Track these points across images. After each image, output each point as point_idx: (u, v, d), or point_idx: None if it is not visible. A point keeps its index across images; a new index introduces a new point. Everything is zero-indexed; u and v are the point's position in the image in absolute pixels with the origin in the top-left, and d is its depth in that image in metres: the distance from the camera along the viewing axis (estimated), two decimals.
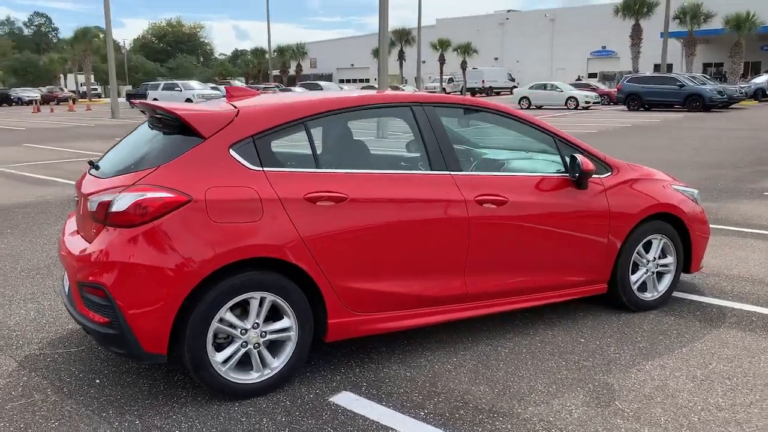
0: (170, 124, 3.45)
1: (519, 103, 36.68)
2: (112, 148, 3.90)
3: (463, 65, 50.18)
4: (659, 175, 4.84)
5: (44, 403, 3.34)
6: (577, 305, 4.69)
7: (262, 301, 3.30)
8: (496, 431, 3.05)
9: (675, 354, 3.89)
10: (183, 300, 3.10)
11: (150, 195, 3.10)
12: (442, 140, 3.86)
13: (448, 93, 59.13)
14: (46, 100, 55.77)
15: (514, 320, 4.43)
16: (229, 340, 3.31)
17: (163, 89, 39.25)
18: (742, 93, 34.05)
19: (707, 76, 39.07)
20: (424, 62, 60.23)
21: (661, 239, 4.59)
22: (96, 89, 71.26)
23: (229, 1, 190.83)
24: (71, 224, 3.82)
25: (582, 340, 4.11)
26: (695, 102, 29.97)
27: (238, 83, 55.75)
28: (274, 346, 3.44)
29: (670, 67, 48.09)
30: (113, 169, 3.46)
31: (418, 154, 3.86)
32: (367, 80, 63.97)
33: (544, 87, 36.78)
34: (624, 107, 33.05)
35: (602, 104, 37.46)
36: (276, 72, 61.97)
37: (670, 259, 4.67)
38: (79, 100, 60.24)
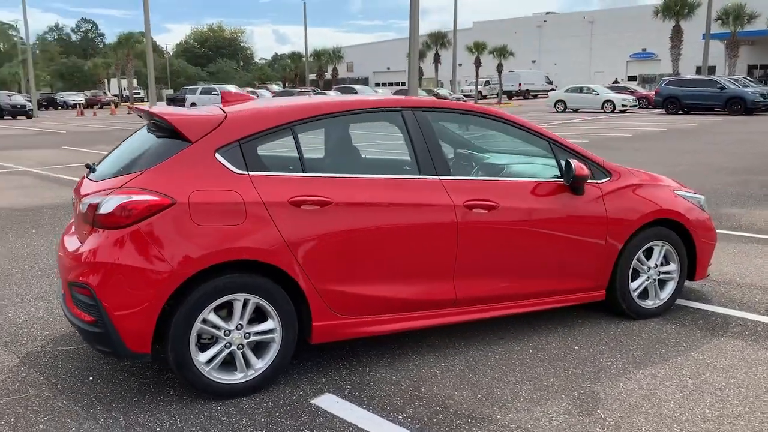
0: (163, 128, 3.54)
1: (554, 106, 36.28)
2: (111, 151, 4.01)
3: (499, 68, 49.76)
4: (664, 180, 4.76)
5: (37, 399, 3.45)
6: (575, 312, 4.63)
7: (245, 303, 3.36)
8: None
9: (669, 363, 3.81)
10: (166, 301, 3.17)
11: (135, 198, 3.18)
12: (432, 145, 3.86)
13: (485, 96, 58.83)
14: (90, 103, 57.28)
15: (509, 326, 4.40)
16: (214, 340, 3.37)
17: (201, 93, 40.00)
18: None
19: (750, 78, 38.01)
20: (460, 65, 60.02)
21: (662, 246, 4.51)
22: (138, 93, 72.92)
23: (270, 6, 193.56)
24: (73, 227, 3.94)
25: (575, 347, 4.06)
26: (736, 105, 29.21)
27: (276, 87, 56.49)
28: (259, 348, 3.49)
29: (712, 70, 46.99)
30: (106, 171, 3.56)
31: (408, 159, 3.87)
32: (403, 83, 63.95)
33: (580, 90, 36.27)
34: (662, 111, 32.38)
35: (640, 107, 36.78)
36: (312, 76, 62.51)
37: (672, 267, 4.58)
38: (122, 103, 61.72)
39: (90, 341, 3.31)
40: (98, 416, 3.25)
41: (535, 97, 56.20)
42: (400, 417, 3.23)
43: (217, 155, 3.38)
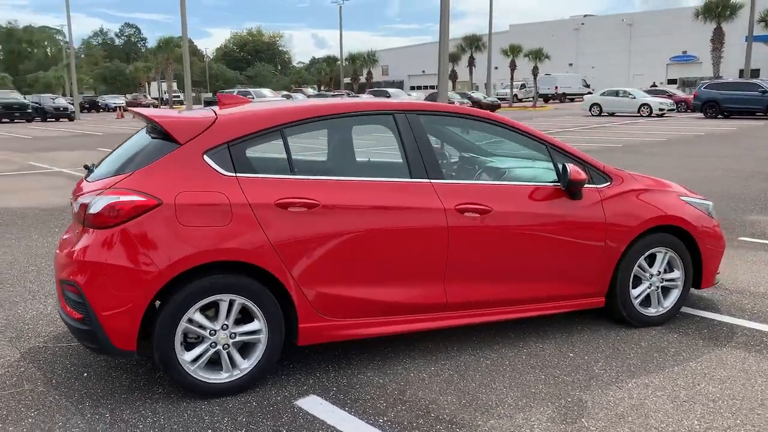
0: (157, 130, 3.60)
1: (590, 109, 35.76)
2: (110, 152, 4.10)
3: (535, 71, 49.26)
4: (670, 186, 4.65)
5: (31, 393, 3.54)
6: (575, 318, 4.56)
7: (231, 303, 3.39)
8: None
9: (664, 372, 3.72)
10: (150, 300, 3.22)
11: (123, 198, 3.24)
12: (423, 148, 3.85)
13: (520, 99, 58.32)
14: (130, 106, 58.64)
15: (506, 331, 4.36)
16: (200, 340, 3.42)
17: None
18: None
19: None
20: (496, 68, 59.64)
21: (666, 253, 4.40)
22: (178, 96, 74.27)
23: (308, 11, 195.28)
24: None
25: (571, 355, 4.00)
26: None
27: (311, 91, 56.92)
28: (246, 348, 3.52)
29: (755, 73, 45.72)
30: (102, 172, 3.64)
31: (400, 161, 3.86)
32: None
33: (616, 93, 35.67)
34: (701, 115, 31.64)
35: (679, 111, 36.00)
36: (347, 79, 62.80)
37: (677, 274, 4.47)
38: (161, 106, 62.97)
39: (79, 338, 3.38)
40: (86, 412, 3.32)
41: (572, 100, 55.49)
42: (381, 420, 3.22)
43: (206, 157, 3.43)
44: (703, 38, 48.64)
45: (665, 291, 4.50)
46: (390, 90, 46.92)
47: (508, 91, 53.83)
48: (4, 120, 38.89)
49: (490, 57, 47.14)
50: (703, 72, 56.32)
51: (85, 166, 4.00)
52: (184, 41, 36.10)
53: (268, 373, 3.57)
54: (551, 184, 4.11)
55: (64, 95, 66.54)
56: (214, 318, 3.41)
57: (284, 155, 3.62)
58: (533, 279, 4.05)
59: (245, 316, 3.48)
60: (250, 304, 3.41)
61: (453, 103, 42.34)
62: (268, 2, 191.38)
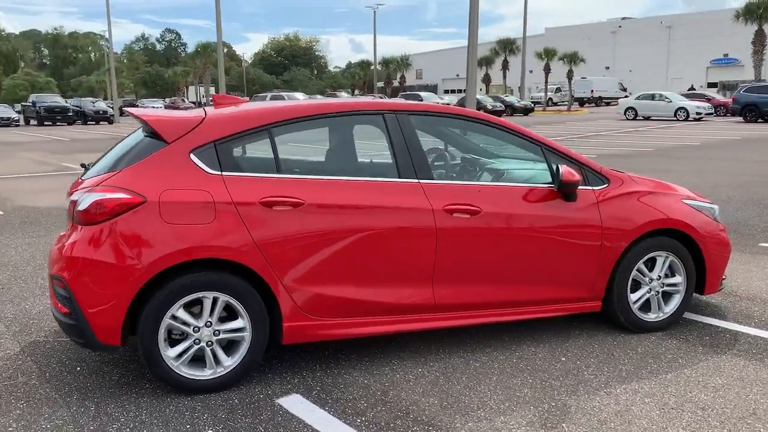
0: (148, 129, 3.66)
1: (624, 113, 35.20)
2: (107, 151, 4.18)
3: (569, 74, 48.65)
4: (673, 189, 4.54)
5: (24, 386, 3.63)
6: (574, 322, 4.48)
7: (215, 300, 3.42)
8: None
9: (656, 379, 3.63)
10: (133, 296, 3.27)
11: (108, 195, 3.30)
12: (412, 148, 3.83)
13: (555, 103, 57.68)
14: (170, 107, 59.82)
15: (501, 334, 4.30)
16: (185, 336, 3.45)
17: (270, 100, 40.95)
18: None
19: None
20: (530, 72, 59.07)
21: (667, 257, 4.30)
22: None
23: (346, 16, 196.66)
24: None
25: (563, 359, 3.93)
26: None
27: (345, 94, 57.20)
28: (230, 345, 3.55)
29: None
30: (95, 170, 3.71)
31: (390, 161, 3.85)
32: None
33: (652, 97, 35.02)
34: (740, 119, 30.85)
35: (717, 116, 35.20)
36: (380, 83, 62.98)
37: (678, 279, 4.36)
38: None
39: (66, 332, 3.45)
40: (72, 405, 3.39)
41: (608, 104, 54.67)
42: (358, 421, 3.21)
43: (192, 156, 3.47)
44: (745, 40, 47.41)
45: (666, 296, 4.39)
46: (422, 93, 46.95)
47: (542, 94, 53.28)
48: (46, 123, 40.03)
49: (524, 60, 46.71)
50: (745, 75, 54.90)
51: (82, 165, 4.08)
52: (219, 47, 36.66)
53: (252, 370, 3.59)
54: (545, 185, 4.05)
55: (105, 99, 68.14)
56: (198, 315, 3.44)
57: (271, 154, 3.64)
58: (525, 281, 4.00)
59: (230, 314, 3.51)
60: (233, 301, 3.44)
61: (485, 106, 42.15)
62: (307, 8, 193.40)
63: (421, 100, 42.90)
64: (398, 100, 4.03)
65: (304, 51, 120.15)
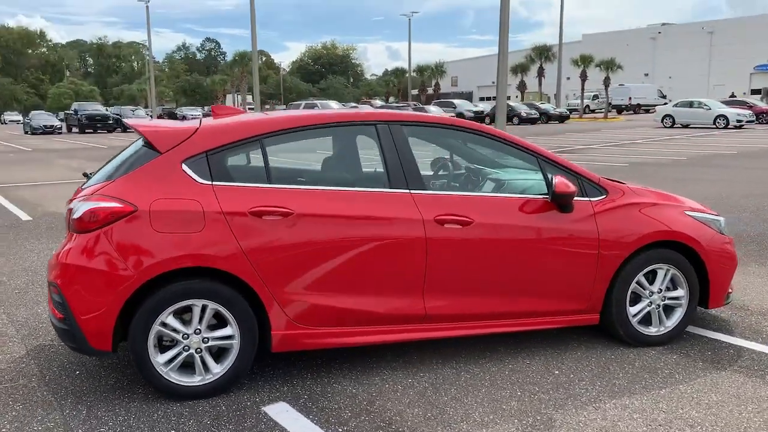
0: (145, 139, 3.76)
1: (662, 121, 34.51)
2: (108, 161, 4.29)
3: (606, 81, 47.93)
4: (676, 200, 4.45)
5: (23, 388, 3.74)
6: (574, 335, 4.42)
7: (204, 308, 3.48)
8: None
9: (649, 394, 3.56)
10: (124, 303, 3.35)
11: (101, 204, 3.40)
12: (404, 158, 3.84)
13: (593, 110, 56.89)
14: (208, 116, 60.79)
15: (497, 346, 4.27)
16: (175, 343, 3.52)
17: (303, 108, 41.39)
18: None
19: None
20: (568, 79, 58.49)
21: (668, 269, 4.21)
22: (252, 108, 76.64)
23: (384, 24, 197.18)
24: None
25: (556, 372, 3.88)
26: None
27: (379, 102, 57.43)
28: (220, 352, 3.61)
29: None
30: (95, 180, 3.82)
31: (382, 171, 3.86)
32: (509, 97, 63.24)
33: (690, 104, 34.27)
34: None
35: (759, 123, 34.27)
36: (415, 91, 63.05)
37: (680, 292, 4.26)
38: None
39: (60, 337, 3.55)
40: (66, 408, 3.48)
41: (647, 111, 53.65)
42: (340, 430, 3.23)
43: (184, 166, 3.54)
44: None
45: (668, 310, 4.31)
46: (456, 101, 46.89)
47: (579, 101, 52.63)
48: (87, 130, 41.14)
49: (560, 67, 46.31)
50: None
51: (85, 174, 4.20)
52: (254, 56, 37.31)
53: (241, 377, 3.64)
54: (540, 196, 4.01)
55: (145, 107, 69.73)
56: (188, 322, 3.51)
57: (263, 165, 3.70)
58: (518, 293, 3.96)
59: (220, 322, 3.57)
60: (222, 309, 3.50)
61: (520, 113, 41.84)
62: (345, 16, 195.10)
63: (455, 108, 42.80)
64: (392, 111, 4.05)
65: (340, 59, 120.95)
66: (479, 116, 43.38)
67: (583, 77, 48.80)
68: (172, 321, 3.46)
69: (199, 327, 3.50)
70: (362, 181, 3.94)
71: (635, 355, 4.12)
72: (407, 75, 64.29)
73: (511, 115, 42.02)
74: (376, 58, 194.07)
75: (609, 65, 47.34)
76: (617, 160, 17.28)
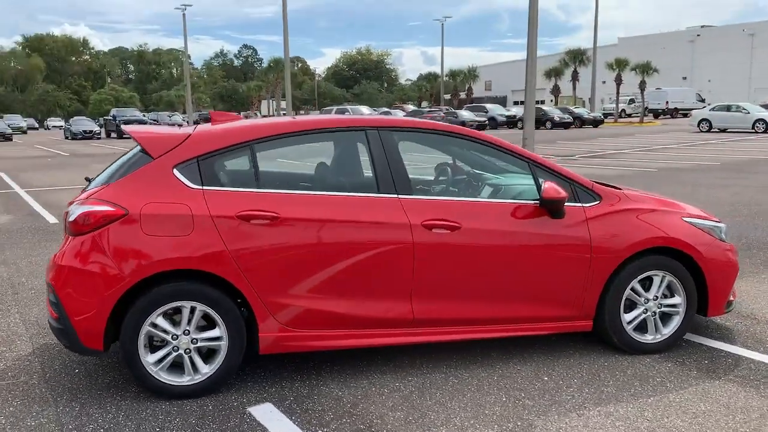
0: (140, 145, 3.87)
1: (698, 125, 33.81)
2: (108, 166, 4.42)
3: (641, 85, 47.16)
4: (675, 206, 4.39)
5: (24, 384, 3.88)
6: (570, 342, 4.39)
7: (192, 310, 3.57)
8: None
9: (636, 402, 3.52)
10: (114, 303, 3.46)
11: (94, 208, 3.51)
12: (393, 163, 3.88)
13: (629, 114, 56.05)
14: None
15: (490, 351, 4.26)
16: (165, 343, 3.61)
17: (335, 113, 41.68)
18: None
19: None
20: (603, 83, 57.73)
21: (663, 276, 4.16)
22: (286, 113, 77.45)
23: (419, 29, 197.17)
24: None
25: (545, 378, 3.86)
26: None
27: (410, 107, 57.49)
28: (210, 353, 3.68)
29: None
30: (94, 184, 3.95)
31: (371, 177, 3.90)
32: (542, 102, 62.71)
33: (728, 108, 33.50)
34: None
35: None
36: (448, 96, 62.96)
37: (677, 300, 4.20)
38: None
39: (56, 336, 3.67)
40: (60, 404, 3.60)
41: (684, 116, 52.61)
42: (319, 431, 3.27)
43: (175, 170, 3.64)
44: None
45: (666, 317, 4.25)
46: (488, 105, 46.69)
47: (614, 106, 51.90)
48: (125, 136, 41.99)
49: (594, 71, 45.75)
50: None
51: (86, 179, 4.33)
52: (285, 62, 37.76)
53: (229, 378, 3.71)
54: (532, 202, 4.00)
55: (183, 113, 71.06)
56: (178, 323, 3.59)
57: (252, 170, 3.77)
58: (508, 298, 3.96)
59: (209, 323, 3.65)
60: (210, 311, 3.58)
61: (553, 118, 41.45)
62: (381, 22, 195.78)
63: (487, 112, 42.58)
64: (381, 117, 4.09)
65: (375, 64, 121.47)
66: (511, 120, 43.13)
67: (618, 81, 48.11)
68: (161, 322, 3.55)
69: (188, 328, 3.58)
70: (351, 186, 3.98)
71: (629, 362, 4.07)
72: (440, 80, 64.20)
73: (544, 120, 41.68)
74: (411, 63, 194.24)
75: (645, 69, 46.61)
76: (647, 165, 17.00)
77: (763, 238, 7.67)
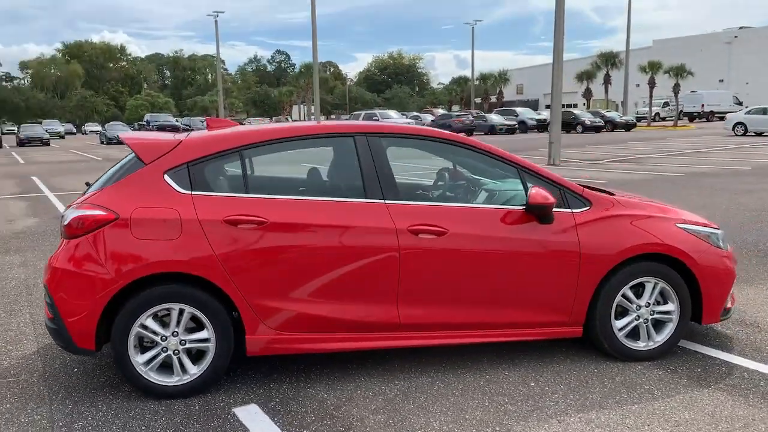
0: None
1: (733, 129, 33.09)
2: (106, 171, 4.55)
3: (675, 88, 46.31)
4: (670, 212, 4.34)
5: (24, 382, 4.02)
6: (563, 348, 4.37)
7: (181, 312, 3.66)
8: None
9: (619, 410, 3.50)
10: (105, 305, 3.56)
11: (87, 212, 3.63)
12: (381, 169, 3.92)
13: (663, 118, 55.12)
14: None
15: (482, 356, 4.27)
16: (155, 344, 3.71)
17: (363, 118, 41.86)
18: None
19: None
20: (637, 86, 56.86)
21: (656, 283, 4.11)
22: (314, 118, 78.02)
23: (452, 33, 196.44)
24: None
25: (532, 384, 3.86)
26: None
27: (440, 111, 57.45)
28: (199, 354, 3.77)
29: None
30: (92, 189, 4.07)
31: (359, 182, 3.95)
32: (575, 105, 62.00)
33: (764, 111, 32.67)
34: None
35: None
36: (478, 99, 62.71)
37: (671, 307, 4.15)
38: None
39: (51, 336, 3.80)
40: (55, 402, 3.72)
41: (720, 119, 51.51)
42: None
43: (166, 176, 3.74)
44: None
45: (659, 324, 4.20)
46: (518, 109, 46.40)
47: (647, 109, 51.07)
48: None
49: (627, 74, 45.10)
50: None
51: (87, 183, 4.47)
52: (314, 68, 38.09)
53: (217, 379, 3.79)
54: (520, 207, 4.01)
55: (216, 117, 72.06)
56: (168, 325, 3.69)
57: (242, 175, 3.85)
58: (495, 304, 3.96)
59: (198, 325, 3.73)
60: (198, 313, 3.66)
61: (584, 122, 40.98)
62: (414, 26, 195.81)
63: (517, 116, 42.27)
64: (370, 123, 4.14)
65: (406, 68, 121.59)
66: (542, 124, 42.75)
67: (651, 84, 47.34)
68: (151, 323, 3.64)
69: (176, 330, 3.67)
70: (339, 191, 4.03)
71: (619, 369, 4.04)
72: (470, 83, 63.98)
73: (575, 123, 41.26)
74: (443, 67, 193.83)
75: (678, 71, 45.77)
76: (674, 169, 16.71)
77: None
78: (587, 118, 42.11)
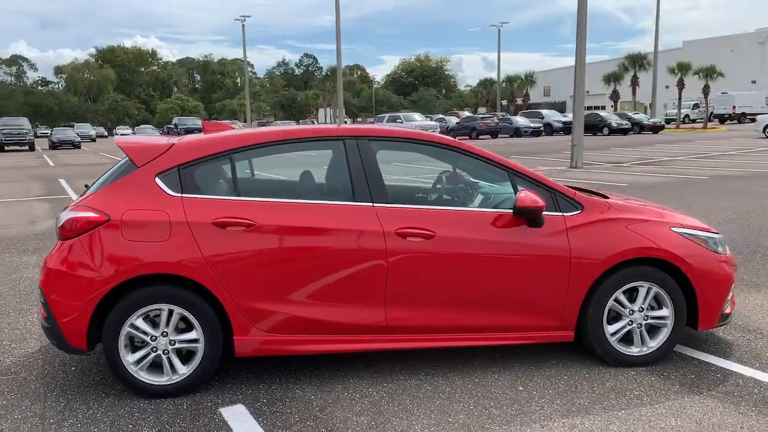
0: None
1: (763, 131, 32.37)
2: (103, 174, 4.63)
3: (705, 90, 45.48)
4: (666, 216, 4.28)
5: (22, 380, 4.11)
6: (557, 352, 4.33)
7: (170, 312, 3.71)
8: None
9: (604, 416, 3.46)
10: (95, 305, 3.64)
11: (80, 214, 3.71)
12: (370, 172, 3.94)
13: (693, 120, 54.20)
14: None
15: (473, 359, 4.26)
16: (145, 344, 3.77)
17: (387, 121, 41.93)
18: None
19: None
20: (667, 87, 56.01)
21: (649, 288, 4.06)
22: (345, 121, 78.41)
23: (479, 35, 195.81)
24: None
25: (520, 388, 3.84)
26: None
27: (466, 113, 57.25)
28: (188, 354, 3.83)
29: None
30: (89, 191, 4.16)
31: (348, 185, 3.97)
32: (602, 107, 61.30)
33: None
34: None
35: None
36: (504, 101, 62.38)
37: (665, 312, 4.09)
38: None
39: (46, 336, 3.88)
40: (49, 399, 3.81)
41: (752, 120, 50.48)
42: None
43: (157, 179, 3.80)
44: None
45: (654, 329, 4.14)
46: (544, 111, 46.04)
47: (676, 111, 50.27)
48: None
49: (655, 75, 44.43)
50: None
51: (86, 186, 4.56)
52: (338, 71, 38.26)
53: (206, 379, 3.83)
54: (509, 210, 3.99)
55: (244, 121, 72.83)
56: (158, 325, 3.75)
57: (232, 178, 3.90)
58: (484, 307, 3.95)
59: (188, 325, 3.79)
60: (187, 314, 3.72)
61: (610, 124, 40.51)
62: (441, 28, 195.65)
63: (543, 118, 41.95)
64: (360, 126, 4.16)
65: (433, 71, 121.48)
66: (568, 126, 42.33)
67: (681, 86, 46.59)
68: (141, 323, 3.71)
69: (166, 330, 3.73)
70: (328, 194, 4.06)
71: (611, 375, 3.99)
72: (496, 86, 63.67)
73: (601, 126, 40.83)
74: (471, 69, 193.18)
75: (708, 72, 44.97)
76: (699, 172, 16.43)
77: None
78: (614, 120, 41.62)
